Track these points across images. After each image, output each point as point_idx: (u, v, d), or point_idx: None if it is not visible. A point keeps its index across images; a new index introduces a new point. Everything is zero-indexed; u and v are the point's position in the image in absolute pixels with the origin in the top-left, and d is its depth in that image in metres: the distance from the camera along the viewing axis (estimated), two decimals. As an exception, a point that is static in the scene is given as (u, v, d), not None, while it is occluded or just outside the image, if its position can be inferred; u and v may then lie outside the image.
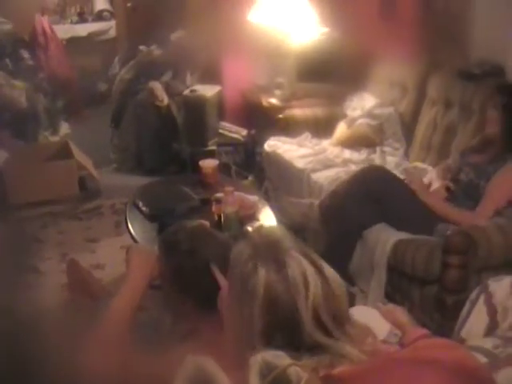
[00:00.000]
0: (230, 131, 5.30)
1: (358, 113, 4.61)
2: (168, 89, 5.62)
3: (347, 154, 4.43)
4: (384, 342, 1.97)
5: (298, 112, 4.91)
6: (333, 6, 4.89)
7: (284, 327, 1.43)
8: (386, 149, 4.44)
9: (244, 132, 5.21)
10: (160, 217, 3.33)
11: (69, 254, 4.04)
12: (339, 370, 1.40)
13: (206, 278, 1.96)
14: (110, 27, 7.86)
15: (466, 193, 3.37)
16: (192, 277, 1.99)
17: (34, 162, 5.12)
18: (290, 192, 4.27)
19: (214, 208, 3.35)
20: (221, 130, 5.35)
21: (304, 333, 1.42)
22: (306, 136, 4.69)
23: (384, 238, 3.24)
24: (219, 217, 3.29)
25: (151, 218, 3.44)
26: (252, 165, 5.02)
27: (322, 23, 4.85)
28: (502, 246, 2.92)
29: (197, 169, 3.95)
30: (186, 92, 5.52)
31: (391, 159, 4.31)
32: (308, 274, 1.44)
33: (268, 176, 4.72)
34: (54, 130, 6.15)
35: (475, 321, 2.21)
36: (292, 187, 4.33)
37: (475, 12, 4.19)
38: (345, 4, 4.90)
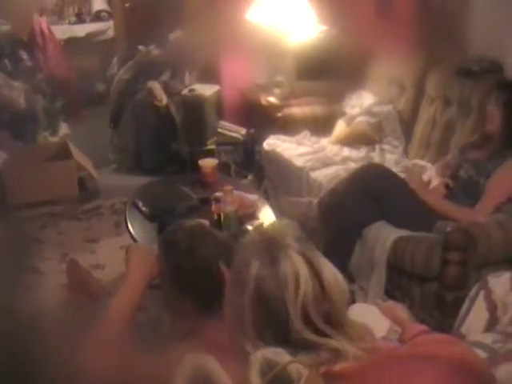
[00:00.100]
0: (229, 130, 5.30)
1: (356, 111, 4.60)
2: (167, 88, 5.62)
3: (346, 151, 4.43)
4: (384, 338, 1.98)
5: (297, 110, 4.91)
6: (331, 5, 4.89)
7: (274, 321, 1.45)
8: (385, 146, 4.43)
9: (243, 131, 5.20)
10: (160, 216, 3.33)
11: (69, 255, 4.04)
12: (339, 366, 1.40)
13: (204, 278, 1.97)
14: (108, 27, 7.86)
15: (465, 190, 3.37)
16: (191, 276, 1.99)
17: (34, 162, 5.12)
18: (290, 190, 4.27)
19: (213, 207, 3.35)
20: (220, 130, 5.35)
21: (293, 330, 1.43)
22: (305, 134, 4.69)
23: (383, 236, 3.24)
24: (219, 216, 3.29)
25: (151, 217, 3.44)
26: (251, 164, 5.02)
27: (320, 21, 4.85)
28: (502, 241, 2.91)
29: (196, 168, 3.95)
30: (185, 91, 5.52)
31: (390, 157, 4.30)
32: (300, 274, 1.45)
33: (267, 175, 4.72)
34: (54, 131, 6.14)
35: (475, 317, 2.21)
36: (291, 186, 4.33)
37: (473, 9, 4.18)
38: (343, 2, 4.90)
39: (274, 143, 4.63)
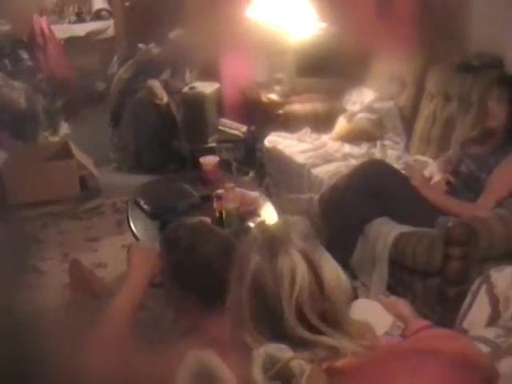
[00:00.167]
0: (230, 128, 5.30)
1: (357, 107, 4.60)
2: (167, 87, 5.62)
3: (347, 148, 4.43)
4: (387, 334, 1.98)
5: (298, 107, 4.91)
6: (331, 2, 4.88)
7: (270, 316, 1.46)
8: (387, 142, 4.43)
9: (244, 128, 5.20)
10: (161, 214, 3.34)
11: (70, 254, 4.05)
12: (341, 362, 1.41)
13: (206, 275, 1.97)
14: (108, 26, 7.86)
15: (466, 185, 3.37)
16: (192, 273, 1.99)
17: (34, 162, 5.12)
18: (291, 187, 4.27)
19: (214, 204, 3.35)
20: (220, 127, 5.35)
21: (287, 326, 1.44)
22: (305, 131, 4.69)
23: (385, 232, 3.24)
24: (220, 213, 3.29)
25: (153, 215, 3.45)
26: (252, 161, 5.02)
27: (320, 18, 4.85)
28: (503, 236, 2.92)
29: (197, 166, 3.95)
30: (185, 89, 5.52)
31: (392, 153, 4.30)
32: (297, 271, 1.46)
33: (268, 172, 4.72)
34: (54, 130, 6.15)
35: (477, 311, 2.21)
36: (292, 182, 4.33)
37: (472, 6, 4.18)
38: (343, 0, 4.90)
39: (275, 140, 4.63)
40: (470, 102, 3.86)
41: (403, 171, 3.63)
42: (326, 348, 1.43)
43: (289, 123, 4.78)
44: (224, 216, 3.26)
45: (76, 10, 7.88)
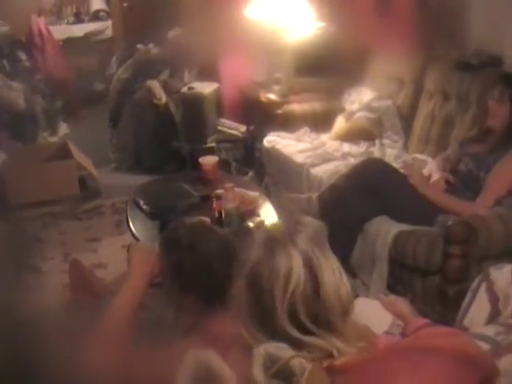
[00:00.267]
0: (229, 128, 5.30)
1: (356, 106, 4.60)
2: (166, 87, 5.62)
3: (346, 147, 4.43)
4: (387, 332, 1.98)
5: (297, 107, 4.90)
6: (329, 1, 4.89)
7: (262, 312, 1.48)
8: (385, 141, 4.43)
9: (243, 128, 5.21)
10: (161, 214, 3.33)
11: (70, 254, 4.06)
12: (342, 360, 1.41)
13: (207, 273, 1.97)
14: (106, 27, 7.85)
15: (465, 183, 3.37)
16: (193, 272, 1.99)
17: (33, 162, 5.12)
18: (290, 187, 4.27)
19: (214, 204, 3.35)
20: (220, 127, 5.35)
21: (278, 324, 1.45)
22: (304, 131, 4.69)
23: (385, 230, 3.24)
24: (220, 213, 3.29)
25: (152, 216, 3.44)
26: (252, 161, 5.02)
27: (318, 18, 4.85)
28: (503, 234, 2.92)
29: (196, 166, 3.95)
30: (184, 90, 5.52)
31: (390, 152, 4.30)
32: (294, 271, 1.47)
33: (268, 171, 4.72)
34: (53, 131, 6.15)
35: (477, 309, 2.22)
36: (292, 182, 4.33)
37: (471, 4, 4.18)
38: (341, -1, 4.91)
39: (274, 140, 4.63)
40: (469, 101, 3.86)
41: (402, 170, 3.63)
42: (317, 349, 1.44)
43: (288, 123, 4.78)
44: (223, 216, 3.26)
45: (74, 11, 7.88)
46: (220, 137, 5.29)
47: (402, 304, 2.14)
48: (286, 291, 1.46)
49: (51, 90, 6.36)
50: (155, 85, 5.57)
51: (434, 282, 2.99)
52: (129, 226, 3.45)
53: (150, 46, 6.15)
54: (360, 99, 4.65)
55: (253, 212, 3.39)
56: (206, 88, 5.48)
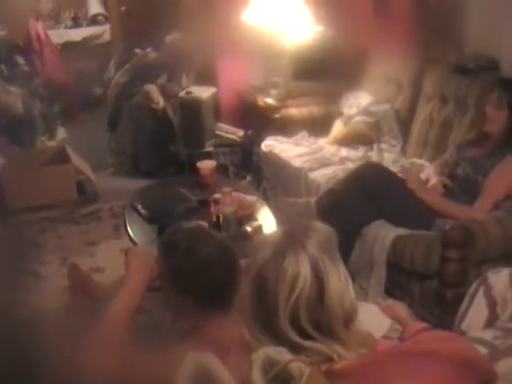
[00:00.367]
0: (227, 132, 5.31)
1: (354, 110, 4.61)
2: (164, 91, 5.62)
3: (344, 152, 4.43)
4: (385, 337, 1.98)
5: (294, 111, 4.91)
6: (327, 5, 4.89)
7: (265, 314, 1.49)
8: (383, 146, 4.44)
9: (241, 132, 5.21)
10: (159, 219, 3.34)
11: (68, 258, 4.05)
12: (340, 364, 1.41)
13: (205, 277, 1.97)
14: (104, 31, 7.86)
15: (462, 188, 3.38)
16: (191, 276, 1.99)
17: (31, 167, 5.12)
18: (288, 191, 4.27)
19: (212, 209, 3.35)
20: (217, 131, 5.35)
21: (280, 327, 1.45)
22: (302, 135, 4.70)
23: (383, 235, 3.24)
24: (218, 217, 3.29)
25: (150, 220, 3.44)
26: (249, 165, 5.02)
27: (316, 22, 4.85)
28: (500, 238, 2.92)
29: (194, 170, 3.95)
30: (182, 94, 5.52)
31: (388, 156, 4.31)
32: (301, 276, 1.47)
33: (266, 176, 4.72)
34: (51, 135, 6.14)
35: (475, 313, 2.22)
36: (289, 186, 4.33)
37: (469, 7, 4.19)
38: (339, 2, 4.90)
39: (272, 144, 4.64)
40: (467, 104, 3.86)
41: (400, 174, 3.63)
42: (316, 354, 1.44)
43: (285, 127, 4.78)
44: (221, 220, 3.26)
45: (72, 15, 7.89)
46: (218, 141, 5.28)
47: (400, 308, 2.14)
48: (290, 295, 1.46)
49: (50, 95, 6.35)
50: (153, 89, 5.57)
51: (431, 286, 2.99)
52: (127, 230, 3.45)
53: (148, 50, 6.16)
54: (358, 103, 4.65)
55: (251, 216, 3.39)
56: (203, 92, 5.48)
